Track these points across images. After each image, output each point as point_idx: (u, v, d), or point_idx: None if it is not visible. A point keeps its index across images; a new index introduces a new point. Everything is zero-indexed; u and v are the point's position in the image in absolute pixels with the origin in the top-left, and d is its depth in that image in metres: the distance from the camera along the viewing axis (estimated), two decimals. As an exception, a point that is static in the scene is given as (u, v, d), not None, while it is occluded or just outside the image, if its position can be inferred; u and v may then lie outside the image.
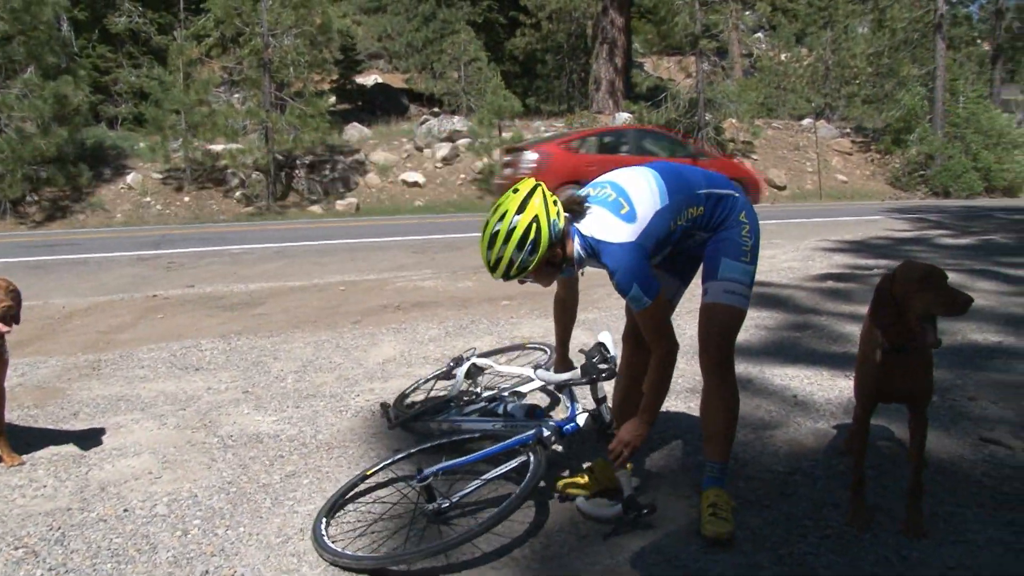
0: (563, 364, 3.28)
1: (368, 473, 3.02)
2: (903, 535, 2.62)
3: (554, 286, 3.11)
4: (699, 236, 2.85)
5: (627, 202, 2.68)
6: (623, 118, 24.55)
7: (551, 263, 2.68)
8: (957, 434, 3.51)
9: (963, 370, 4.45)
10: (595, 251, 2.67)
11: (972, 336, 5.21)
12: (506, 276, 2.64)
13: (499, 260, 2.61)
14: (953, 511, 2.79)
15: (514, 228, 2.57)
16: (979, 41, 36.40)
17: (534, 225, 2.57)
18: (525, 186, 2.65)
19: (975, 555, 2.50)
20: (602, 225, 2.66)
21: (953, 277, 7.25)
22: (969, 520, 2.72)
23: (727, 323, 2.79)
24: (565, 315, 3.28)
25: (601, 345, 2.82)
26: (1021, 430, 3.53)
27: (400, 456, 3.10)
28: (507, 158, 15.15)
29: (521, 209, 2.58)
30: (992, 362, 4.65)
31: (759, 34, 38.13)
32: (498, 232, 2.59)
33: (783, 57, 33.51)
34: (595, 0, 28.52)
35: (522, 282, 2.74)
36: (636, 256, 2.61)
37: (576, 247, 2.71)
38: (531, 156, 13.74)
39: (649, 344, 2.75)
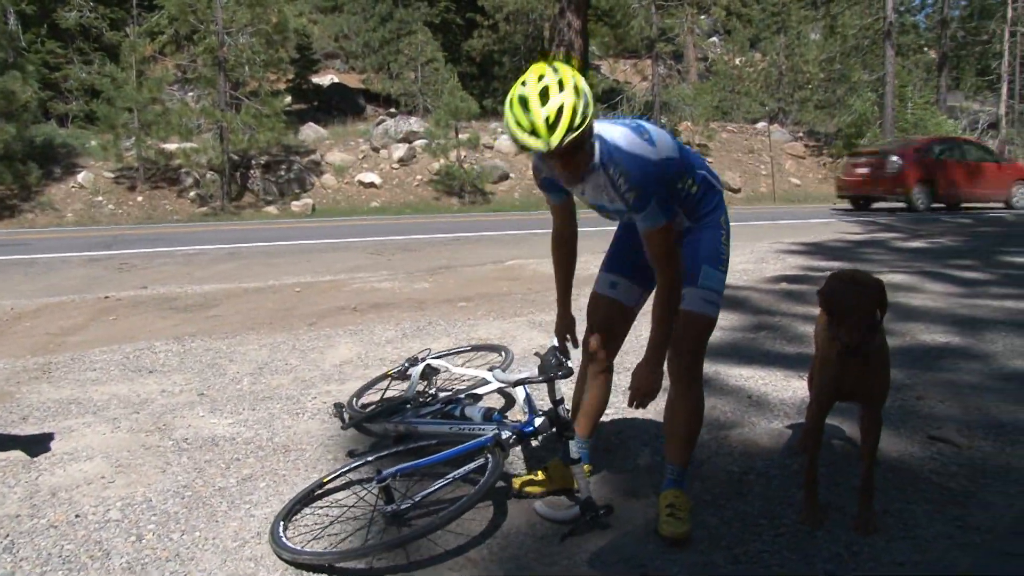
0: (565, 319, 3.10)
1: (325, 480, 3.00)
2: (855, 532, 2.67)
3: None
4: (679, 220, 2.80)
5: (648, 135, 2.59)
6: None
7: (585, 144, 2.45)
8: (906, 433, 3.59)
9: (912, 370, 4.55)
10: (616, 160, 2.52)
11: (921, 337, 5.32)
12: (569, 131, 2.31)
13: (559, 112, 2.29)
14: (903, 508, 2.85)
15: (562, 79, 2.33)
16: (926, 49, 37.23)
17: (578, 80, 2.35)
18: (544, 61, 2.41)
19: (923, 550, 2.55)
20: (626, 140, 2.54)
21: (905, 279, 7.45)
22: (918, 516, 2.79)
23: (702, 331, 2.79)
24: (565, 255, 3.03)
25: (556, 348, 2.84)
26: (967, 428, 3.62)
27: (358, 463, 3.09)
28: (859, 159, 19.14)
29: (555, 70, 2.36)
30: (940, 362, 4.75)
31: (714, 38, 38.56)
32: (547, 86, 2.31)
33: (737, 61, 33.92)
34: (552, 2, 28.63)
35: (565, 161, 2.44)
36: (658, 173, 2.52)
37: (597, 149, 2.53)
38: (896, 160, 17.98)
39: (657, 269, 2.67)
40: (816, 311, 3.10)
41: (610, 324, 3.03)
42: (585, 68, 29.15)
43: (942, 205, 18.61)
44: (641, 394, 2.69)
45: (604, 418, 3.82)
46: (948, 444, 3.45)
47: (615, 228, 3.11)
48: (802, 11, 32.44)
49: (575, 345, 3.09)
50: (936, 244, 11.04)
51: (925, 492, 2.99)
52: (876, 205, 19.19)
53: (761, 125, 28.65)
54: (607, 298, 3.02)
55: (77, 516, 2.90)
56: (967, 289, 7.09)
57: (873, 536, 2.64)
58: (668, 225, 2.59)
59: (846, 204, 19.87)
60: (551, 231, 3.04)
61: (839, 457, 3.35)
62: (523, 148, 2.43)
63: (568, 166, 2.47)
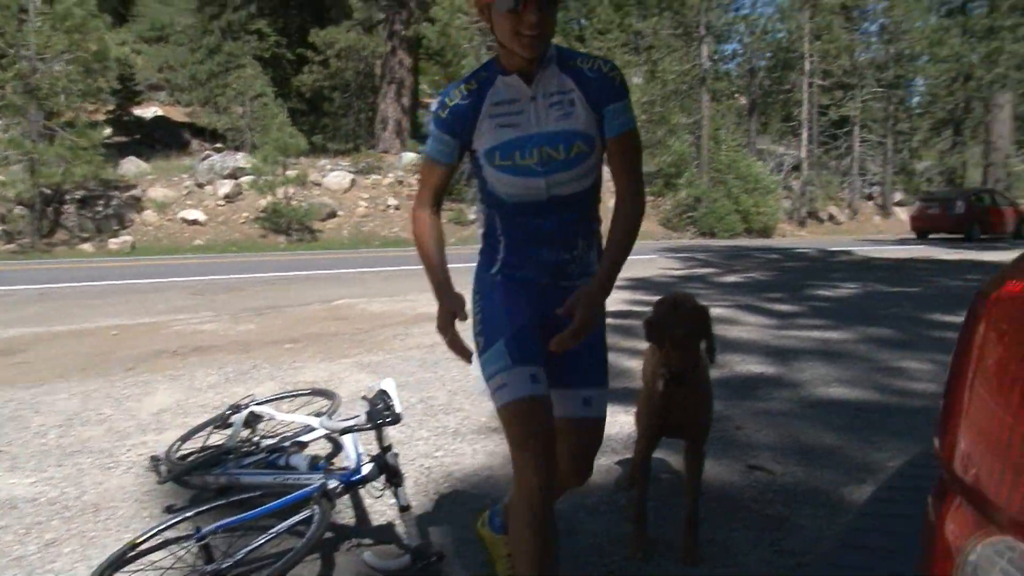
0: (454, 296, 2.15)
1: (137, 541, 2.79)
2: (682, 563, 2.74)
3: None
4: (581, 256, 2.38)
5: None
6: (409, 158, 24.77)
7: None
8: (727, 462, 3.74)
9: (730, 401, 4.77)
10: (583, 54, 2.21)
11: (738, 368, 5.60)
12: None
13: None
14: (726, 536, 2.96)
15: None
16: (737, 95, 39.67)
17: None
18: None
19: (744, 578, 2.65)
20: None
21: (723, 312, 7.81)
22: (739, 544, 2.89)
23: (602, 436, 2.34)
24: (439, 226, 2.29)
25: (384, 392, 2.78)
26: (781, 455, 3.82)
27: (175, 520, 2.90)
28: (931, 203, 26.25)
29: None
30: (756, 392, 5.01)
31: (543, 80, 39.61)
32: None
33: (565, 103, 34.95)
34: (384, 40, 28.72)
35: (545, 14, 2.02)
36: None
37: (552, 50, 2.17)
38: (960, 203, 25.13)
39: (631, 180, 2.23)
40: (643, 346, 3.19)
41: (550, 432, 2.12)
42: (415, 106, 29.42)
43: (987, 236, 25.34)
44: (589, 329, 2.12)
45: (433, 461, 3.79)
46: (764, 472, 3.62)
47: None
48: (625, 56, 33.90)
49: (463, 319, 2.16)
50: (749, 279, 11.71)
51: (746, 520, 3.11)
52: (932, 236, 25.80)
53: (588, 164, 29.61)
54: (535, 398, 2.11)
55: None
56: (779, 321, 7.54)
57: (699, 566, 2.72)
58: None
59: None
60: (419, 201, 2.29)
61: (666, 490, 3.45)
62: None
63: (545, 25, 2.05)
